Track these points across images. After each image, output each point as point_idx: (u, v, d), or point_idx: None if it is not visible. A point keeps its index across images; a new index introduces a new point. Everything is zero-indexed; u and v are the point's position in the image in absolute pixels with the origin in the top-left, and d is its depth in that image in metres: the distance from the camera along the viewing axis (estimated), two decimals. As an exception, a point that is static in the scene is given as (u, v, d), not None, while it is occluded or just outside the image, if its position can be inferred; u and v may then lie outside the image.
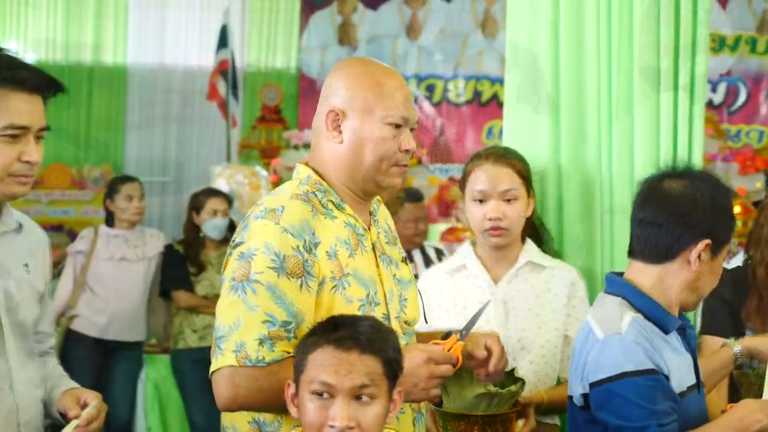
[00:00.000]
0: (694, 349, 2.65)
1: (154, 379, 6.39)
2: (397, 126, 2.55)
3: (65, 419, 2.61)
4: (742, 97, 12.02)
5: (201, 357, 6.18)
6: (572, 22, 3.42)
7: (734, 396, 3.04)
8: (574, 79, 3.44)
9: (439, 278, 3.34)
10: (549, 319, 3.20)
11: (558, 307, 3.21)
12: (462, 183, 3.27)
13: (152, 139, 11.15)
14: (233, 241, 2.52)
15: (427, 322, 2.86)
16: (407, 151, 2.57)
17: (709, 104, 11.24)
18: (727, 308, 2.93)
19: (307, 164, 2.63)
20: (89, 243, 6.18)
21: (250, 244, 2.44)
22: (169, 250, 6.30)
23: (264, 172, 8.98)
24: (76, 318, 6.11)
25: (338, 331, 2.19)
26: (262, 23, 11.56)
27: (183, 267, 6.22)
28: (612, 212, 3.41)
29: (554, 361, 3.20)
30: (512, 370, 2.90)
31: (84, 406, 2.61)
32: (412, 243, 6.02)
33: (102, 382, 6.07)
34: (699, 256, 2.52)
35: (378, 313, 2.54)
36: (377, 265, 2.61)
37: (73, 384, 2.76)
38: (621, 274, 2.64)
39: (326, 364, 2.15)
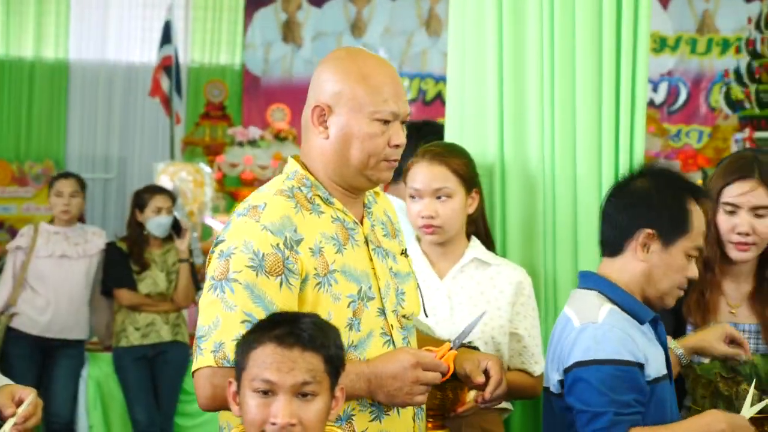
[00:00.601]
0: (664, 343, 2.71)
1: (96, 377, 6.34)
2: (386, 121, 2.48)
3: (0, 417, 2.57)
4: (682, 97, 12.16)
5: (143, 355, 6.15)
6: (515, 22, 3.44)
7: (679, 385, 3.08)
8: (517, 78, 3.46)
9: None
10: (494, 315, 3.22)
11: (503, 304, 3.24)
12: (404, 179, 3.30)
13: (95, 136, 11.06)
14: (217, 238, 2.48)
15: (427, 315, 2.83)
16: (397, 146, 2.50)
17: (650, 104, 11.37)
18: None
19: (297, 158, 2.57)
20: (29, 240, 6.11)
21: (230, 243, 2.40)
22: (111, 247, 6.24)
23: (208, 169, 8.95)
24: (16, 316, 6.04)
25: (279, 328, 2.18)
26: (206, 19, 11.51)
27: (126, 265, 6.17)
28: (554, 209, 3.44)
29: (498, 357, 3.22)
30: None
31: (19, 403, 2.55)
32: None
33: (43, 380, 6.02)
34: (646, 247, 2.60)
35: (372, 308, 2.50)
36: (371, 259, 2.55)
37: (6, 380, 2.70)
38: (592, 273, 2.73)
39: (268, 362, 2.15)
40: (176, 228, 6.23)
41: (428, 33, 12.15)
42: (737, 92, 7.68)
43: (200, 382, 2.39)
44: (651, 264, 2.61)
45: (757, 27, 7.70)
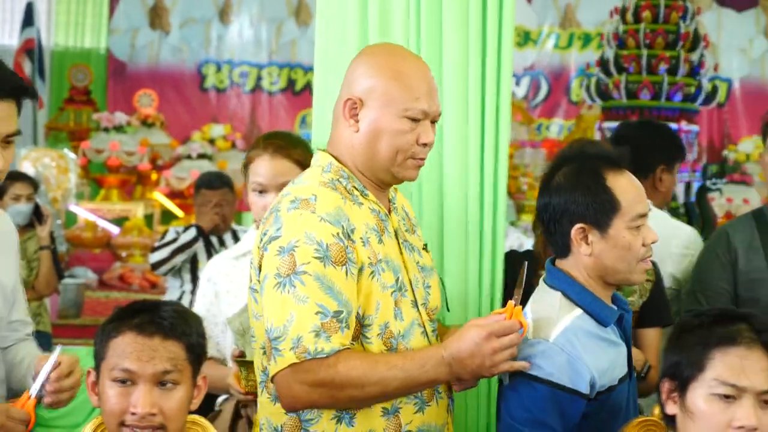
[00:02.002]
0: (629, 339, 2.65)
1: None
2: (416, 119, 2.52)
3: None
4: (543, 91, 12.41)
5: (2, 345, 6.01)
6: (380, 14, 3.47)
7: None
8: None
9: (226, 264, 3.38)
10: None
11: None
12: (243, 171, 3.26)
13: (-47, 120, 10.74)
14: (264, 234, 2.45)
15: (449, 310, 2.83)
16: (425, 144, 2.54)
17: (513, 97, 11.57)
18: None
19: (325, 151, 2.60)
20: None
21: (290, 237, 2.39)
22: (-32, 234, 6.09)
23: (72, 155, 8.82)
24: None
25: (140, 316, 2.17)
26: (70, 1, 11.29)
27: (-16, 252, 6.02)
28: (420, 201, 3.48)
29: None
30: None
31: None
32: (216, 228, 5.94)
33: None
34: (585, 241, 2.53)
35: (407, 299, 2.52)
36: (401, 252, 2.58)
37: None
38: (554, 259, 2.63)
39: (128, 351, 2.14)
40: (38, 215, 6.10)
41: (297, 22, 12.13)
42: (593, 83, 7.94)
43: (282, 383, 2.36)
44: (598, 254, 2.53)
45: (623, 19, 7.93)
